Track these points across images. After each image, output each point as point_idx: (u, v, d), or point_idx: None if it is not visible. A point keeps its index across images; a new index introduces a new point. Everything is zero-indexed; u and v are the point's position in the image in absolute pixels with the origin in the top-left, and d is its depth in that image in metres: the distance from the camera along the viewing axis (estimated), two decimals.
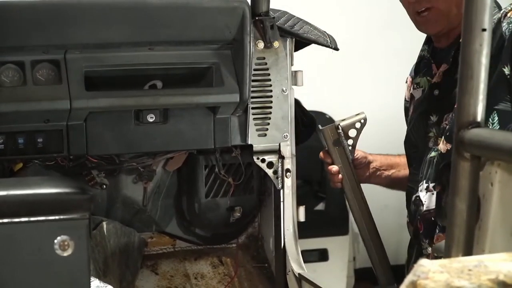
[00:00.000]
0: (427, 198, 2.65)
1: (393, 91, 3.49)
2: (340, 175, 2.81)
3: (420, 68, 2.82)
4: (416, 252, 2.79)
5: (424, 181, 2.66)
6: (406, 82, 2.95)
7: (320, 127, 2.86)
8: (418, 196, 2.68)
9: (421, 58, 2.84)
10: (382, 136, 4.04)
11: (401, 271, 3.32)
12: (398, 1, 2.70)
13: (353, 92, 4.85)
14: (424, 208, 2.66)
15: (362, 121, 2.79)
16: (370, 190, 2.95)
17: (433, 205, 2.60)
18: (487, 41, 1.72)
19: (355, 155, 2.85)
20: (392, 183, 3.02)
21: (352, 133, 2.79)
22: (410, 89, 2.89)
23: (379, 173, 2.96)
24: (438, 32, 2.67)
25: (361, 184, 2.88)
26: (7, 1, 2.56)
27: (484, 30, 1.71)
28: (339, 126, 2.78)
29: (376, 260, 2.90)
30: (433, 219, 2.60)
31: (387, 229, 3.43)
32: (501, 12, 2.51)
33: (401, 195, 2.88)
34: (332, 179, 2.84)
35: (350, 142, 2.79)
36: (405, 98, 2.96)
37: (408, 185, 2.80)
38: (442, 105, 2.65)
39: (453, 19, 2.59)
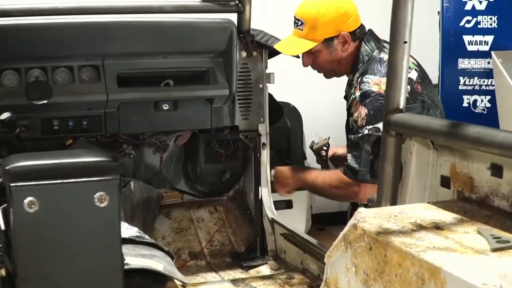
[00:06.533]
0: None
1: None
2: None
3: None
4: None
5: None
6: None
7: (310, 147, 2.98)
8: None
9: None
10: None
11: (344, 217, 3.30)
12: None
13: (311, 87, 4.57)
14: None
15: (327, 145, 2.90)
16: None
17: None
18: (407, 51, 1.69)
19: (332, 153, 2.95)
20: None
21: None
22: None
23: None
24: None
25: None
26: (59, 22, 2.55)
27: (405, 42, 1.67)
28: (313, 148, 2.93)
29: None
30: None
31: None
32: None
33: None
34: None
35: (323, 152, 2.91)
36: None
37: None
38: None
39: (338, 72, 2.74)
